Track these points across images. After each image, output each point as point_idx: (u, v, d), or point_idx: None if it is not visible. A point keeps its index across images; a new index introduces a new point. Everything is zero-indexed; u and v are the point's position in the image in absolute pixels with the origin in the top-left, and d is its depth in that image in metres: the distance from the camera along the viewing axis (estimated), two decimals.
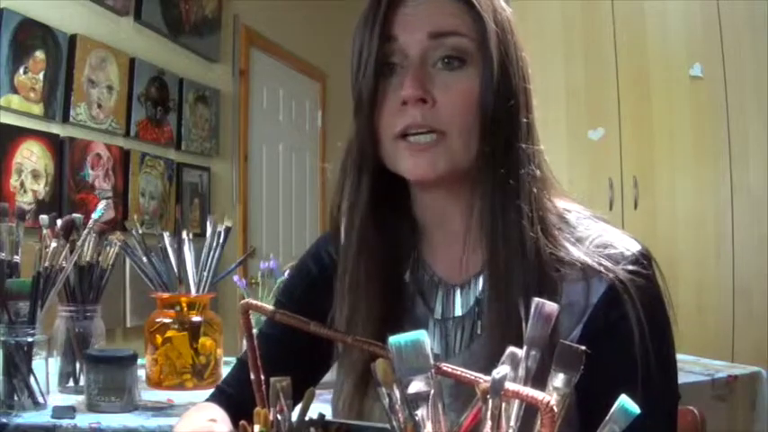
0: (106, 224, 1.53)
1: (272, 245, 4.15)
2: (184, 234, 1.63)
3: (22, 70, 2.47)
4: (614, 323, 0.74)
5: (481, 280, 0.81)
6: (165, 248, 1.63)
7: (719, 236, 2.87)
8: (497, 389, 0.49)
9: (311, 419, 0.60)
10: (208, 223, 1.67)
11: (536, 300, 0.55)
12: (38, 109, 2.55)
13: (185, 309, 1.61)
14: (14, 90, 2.44)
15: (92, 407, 1.37)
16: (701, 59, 2.90)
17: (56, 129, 2.65)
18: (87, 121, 2.76)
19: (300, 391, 0.59)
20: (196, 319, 1.60)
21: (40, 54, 2.55)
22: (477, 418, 0.52)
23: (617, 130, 3.05)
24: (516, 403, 0.51)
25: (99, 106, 2.83)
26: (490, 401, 0.49)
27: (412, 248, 0.85)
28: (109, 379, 1.37)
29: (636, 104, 3.03)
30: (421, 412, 0.50)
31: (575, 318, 0.75)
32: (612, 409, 0.50)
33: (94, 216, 1.49)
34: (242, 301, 0.66)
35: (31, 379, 1.37)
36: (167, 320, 1.59)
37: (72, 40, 2.68)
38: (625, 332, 0.73)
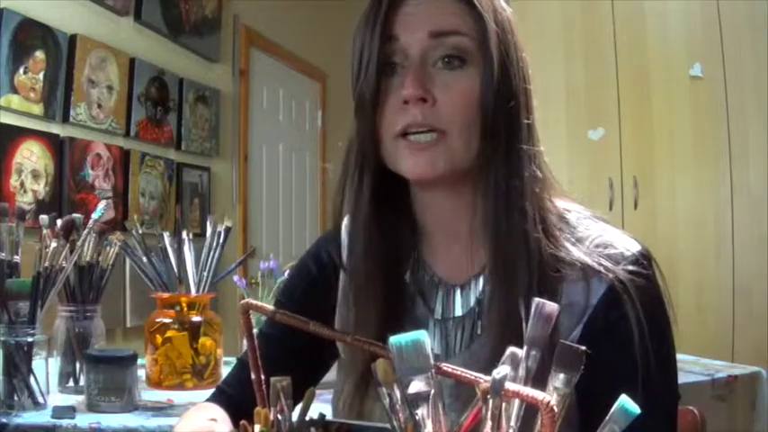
0: (106, 224, 1.53)
1: (272, 245, 4.15)
2: (184, 234, 1.63)
3: (22, 70, 2.47)
4: (614, 323, 0.74)
5: (481, 280, 0.81)
6: (165, 248, 1.63)
7: (719, 236, 2.87)
8: (497, 389, 0.49)
9: (311, 419, 0.60)
10: (208, 223, 1.67)
11: (536, 300, 0.55)
12: (38, 109, 2.55)
13: (185, 309, 1.61)
14: (14, 90, 2.44)
15: (92, 407, 1.37)
16: (701, 59, 2.90)
17: (56, 129, 2.65)
18: (87, 121, 2.76)
19: (301, 390, 0.59)
20: (196, 319, 1.60)
21: (40, 54, 2.55)
22: (478, 418, 0.52)
23: (617, 130, 3.05)
24: (516, 403, 0.51)
25: (99, 106, 2.83)
26: (490, 401, 0.49)
27: (412, 249, 0.85)
28: (109, 379, 1.37)
29: (636, 104, 3.03)
30: (421, 412, 0.50)
31: (575, 318, 0.75)
32: (612, 409, 0.50)
33: (94, 216, 1.49)
34: (242, 301, 0.66)
35: (31, 379, 1.37)
36: (167, 320, 1.59)
37: (72, 40, 2.68)
38: (625, 332, 0.73)
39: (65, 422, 1.29)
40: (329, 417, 0.63)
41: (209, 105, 3.57)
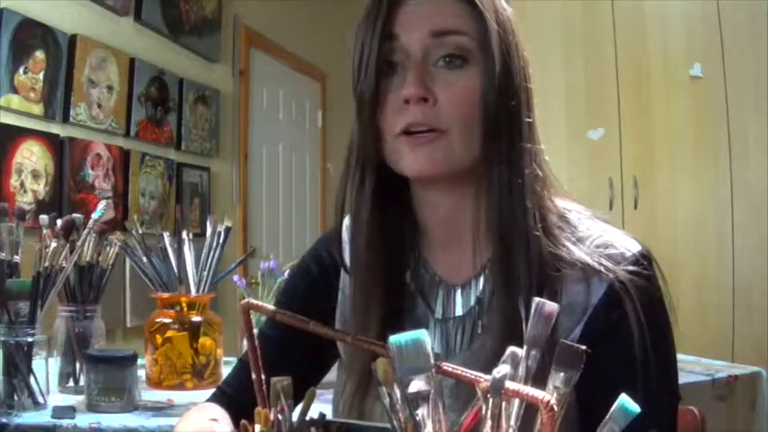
0: (106, 224, 1.53)
1: (272, 245, 4.14)
2: (184, 234, 1.63)
3: (22, 70, 2.47)
4: (614, 323, 0.74)
5: (482, 280, 0.81)
6: (165, 248, 1.63)
7: (719, 236, 2.87)
8: (498, 388, 0.49)
9: (312, 419, 0.60)
10: (208, 223, 1.67)
11: (536, 299, 0.55)
12: (38, 109, 2.55)
13: (185, 309, 1.61)
14: (14, 90, 2.44)
15: (92, 407, 1.37)
16: (701, 59, 2.90)
17: (56, 129, 2.65)
18: (87, 121, 2.76)
19: (301, 391, 0.59)
20: (196, 319, 1.60)
21: (40, 54, 2.55)
22: (478, 417, 0.52)
23: (617, 130, 3.05)
24: (516, 402, 0.51)
25: (99, 106, 2.83)
26: (490, 401, 0.49)
27: (413, 248, 0.85)
28: (109, 379, 1.37)
29: (636, 104, 3.02)
30: (421, 412, 0.50)
31: (575, 317, 0.75)
32: (612, 409, 0.50)
33: (94, 216, 1.49)
34: (242, 301, 0.66)
35: (31, 379, 1.37)
36: (167, 320, 1.59)
37: (72, 40, 2.68)
38: (625, 333, 0.73)
39: (65, 422, 1.29)
40: (329, 417, 0.63)
41: (209, 105, 3.57)
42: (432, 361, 0.51)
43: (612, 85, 3.06)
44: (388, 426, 0.53)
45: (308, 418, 0.59)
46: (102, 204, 1.51)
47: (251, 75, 3.99)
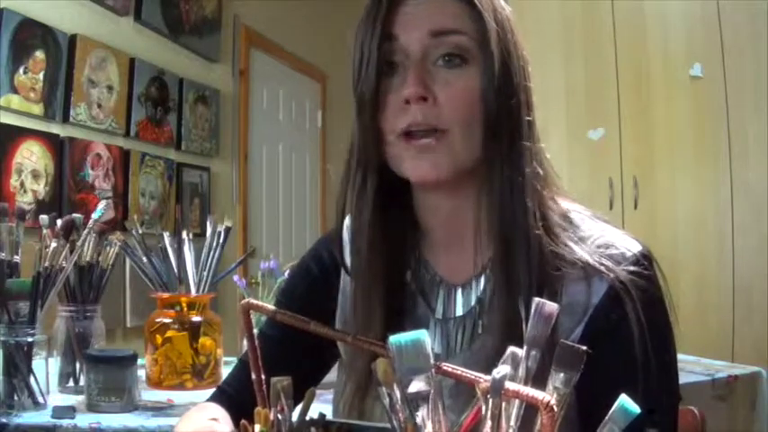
0: (106, 224, 1.53)
1: (272, 245, 4.14)
2: (184, 234, 1.63)
3: (22, 70, 2.47)
4: (615, 324, 0.74)
5: (482, 280, 0.81)
6: (165, 248, 1.63)
7: (719, 236, 2.87)
8: (497, 388, 0.49)
9: (312, 419, 0.60)
10: (208, 223, 1.67)
11: (536, 299, 0.55)
12: (38, 109, 2.55)
13: (185, 309, 1.61)
14: (14, 90, 2.44)
15: (92, 407, 1.37)
16: (701, 59, 2.90)
17: (56, 129, 2.65)
18: (87, 121, 2.76)
19: (301, 391, 0.59)
20: (196, 319, 1.60)
21: (40, 54, 2.55)
22: (478, 417, 0.52)
23: (617, 130, 3.05)
24: (516, 403, 0.51)
25: (99, 106, 2.83)
26: (490, 401, 0.49)
27: (413, 248, 0.85)
28: (109, 379, 1.37)
29: (636, 104, 3.02)
30: (421, 412, 0.50)
31: (576, 318, 0.75)
32: (612, 409, 0.50)
33: (94, 216, 1.49)
34: (242, 301, 0.66)
35: (31, 379, 1.37)
36: (167, 320, 1.59)
37: (72, 40, 2.68)
38: (625, 333, 0.73)
39: (65, 422, 1.29)
40: (329, 417, 0.63)
41: (209, 105, 3.57)
42: (431, 361, 0.51)
43: (612, 85, 3.06)
44: (389, 426, 0.53)
45: (307, 418, 0.59)
46: (102, 204, 1.51)
47: (251, 75, 3.99)
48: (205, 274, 1.64)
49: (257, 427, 0.57)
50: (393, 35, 0.77)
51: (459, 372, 0.54)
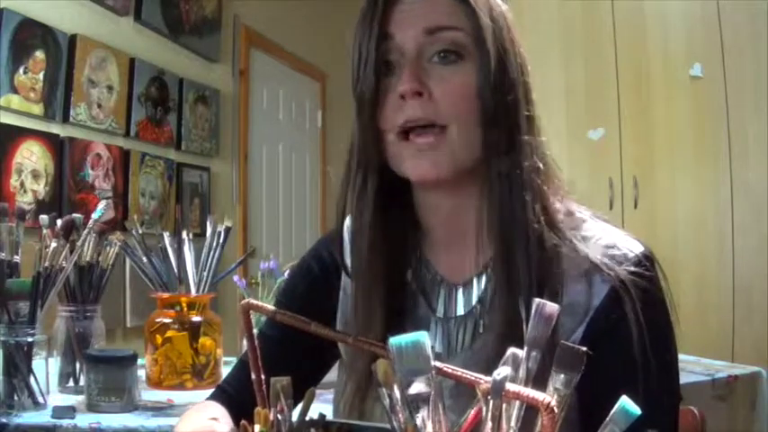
0: (106, 224, 1.53)
1: (272, 245, 4.14)
2: (184, 234, 1.63)
3: (22, 70, 2.47)
4: (616, 325, 0.74)
5: (484, 279, 0.81)
6: (165, 248, 1.63)
7: (719, 236, 2.87)
8: (498, 389, 0.49)
9: (312, 419, 0.60)
10: (208, 223, 1.67)
11: (537, 300, 0.55)
12: (38, 109, 2.55)
13: (185, 309, 1.61)
14: (14, 90, 2.44)
15: (92, 407, 1.37)
16: (701, 59, 2.90)
17: (56, 129, 2.65)
18: (87, 121, 2.76)
19: (301, 391, 0.59)
20: (196, 319, 1.60)
21: (40, 54, 2.55)
22: (478, 418, 0.52)
23: (617, 130, 3.05)
24: (517, 404, 0.51)
25: (99, 106, 2.83)
26: (491, 402, 0.49)
27: (414, 248, 0.85)
28: (109, 379, 1.37)
29: (636, 104, 3.02)
30: (422, 413, 0.50)
31: (577, 318, 0.75)
32: (613, 410, 0.50)
33: (94, 216, 1.48)
34: (242, 301, 0.66)
35: (31, 379, 1.37)
36: (167, 320, 1.59)
37: (72, 40, 2.68)
38: (626, 334, 0.73)
39: (65, 422, 1.29)
40: (329, 417, 0.63)
41: (209, 105, 3.57)
42: (432, 363, 0.51)
43: (612, 85, 3.06)
44: (389, 426, 0.53)
45: (307, 418, 0.59)
46: (102, 204, 1.51)
47: (251, 75, 3.99)
48: (205, 274, 1.64)
49: (257, 427, 0.57)
50: (389, 34, 0.77)
51: (459, 373, 0.54)
